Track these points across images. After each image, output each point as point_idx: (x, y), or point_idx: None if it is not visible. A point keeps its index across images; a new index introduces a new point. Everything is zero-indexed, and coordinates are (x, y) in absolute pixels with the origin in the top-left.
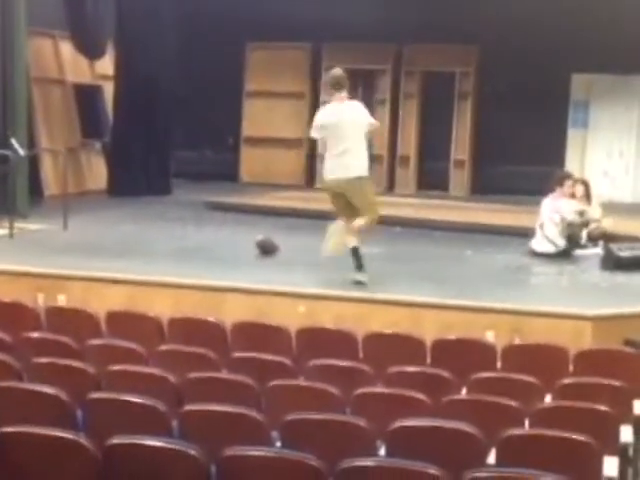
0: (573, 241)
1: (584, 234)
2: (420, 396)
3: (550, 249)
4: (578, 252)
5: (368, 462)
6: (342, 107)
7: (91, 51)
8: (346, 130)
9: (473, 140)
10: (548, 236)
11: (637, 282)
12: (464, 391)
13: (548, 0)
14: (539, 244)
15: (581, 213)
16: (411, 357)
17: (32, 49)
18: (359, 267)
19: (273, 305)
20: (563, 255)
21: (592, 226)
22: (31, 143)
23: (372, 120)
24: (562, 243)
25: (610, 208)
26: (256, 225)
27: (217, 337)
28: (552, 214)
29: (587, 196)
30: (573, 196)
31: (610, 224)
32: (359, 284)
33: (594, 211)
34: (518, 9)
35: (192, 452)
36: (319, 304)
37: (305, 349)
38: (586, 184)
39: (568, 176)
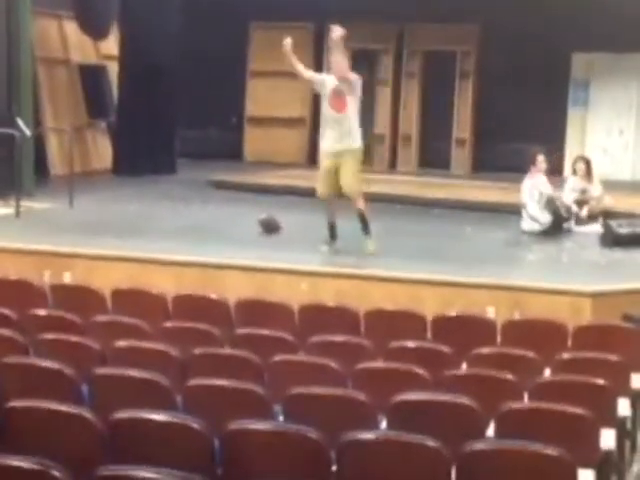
0: (558, 215)
1: (584, 210)
2: (420, 371)
3: (535, 227)
4: (578, 229)
5: (369, 435)
6: None
7: (95, 31)
8: None
9: (474, 119)
10: (532, 214)
11: (636, 258)
12: (464, 366)
13: None
14: (525, 223)
15: (582, 191)
16: (412, 333)
17: (37, 29)
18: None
19: (275, 282)
20: (551, 232)
21: (592, 203)
22: (37, 123)
23: None
24: (546, 220)
25: (609, 186)
26: (259, 203)
27: (220, 314)
28: (532, 191)
29: (588, 173)
30: (574, 173)
31: (610, 202)
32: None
33: (594, 188)
34: None
35: (196, 426)
36: (321, 281)
37: (307, 325)
38: (588, 162)
39: (538, 152)
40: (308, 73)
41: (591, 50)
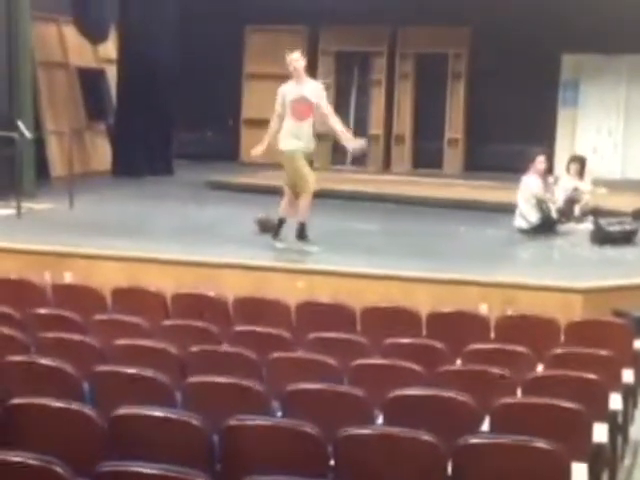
0: (547, 217)
1: (576, 209)
2: (416, 367)
3: (523, 225)
4: (568, 227)
5: (366, 430)
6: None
7: (94, 35)
8: None
9: (466, 119)
10: (522, 212)
11: (625, 256)
12: (459, 361)
13: None
14: (517, 221)
15: (574, 189)
16: (407, 329)
17: (37, 34)
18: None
19: (273, 280)
20: (540, 231)
21: (584, 198)
22: (37, 125)
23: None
24: (535, 218)
25: (600, 184)
26: (256, 204)
27: (219, 312)
28: (523, 191)
29: (581, 173)
30: (568, 172)
31: (602, 192)
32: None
33: (584, 185)
34: None
35: (195, 422)
36: (317, 279)
37: (304, 322)
38: (582, 162)
39: (539, 153)
40: (278, 115)
41: (580, 51)
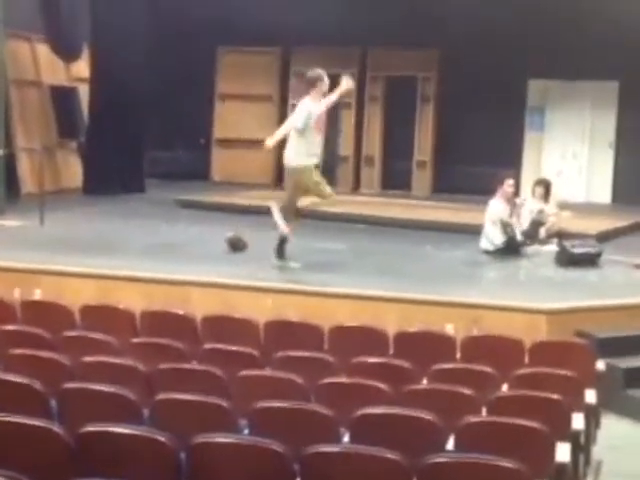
0: (512, 239)
1: (542, 231)
2: (382, 386)
3: (489, 247)
4: (533, 249)
5: (332, 448)
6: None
7: (67, 54)
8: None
9: (435, 142)
10: (487, 235)
11: (588, 277)
12: (425, 381)
13: (507, 10)
14: (483, 242)
15: (539, 211)
16: (374, 349)
17: (10, 51)
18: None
19: (241, 299)
20: (505, 253)
21: (548, 224)
22: (8, 142)
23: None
24: (500, 241)
25: (564, 207)
26: (226, 222)
27: (187, 329)
28: (489, 214)
29: (546, 196)
30: (533, 195)
31: (568, 216)
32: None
33: (550, 207)
34: (478, 17)
35: (162, 439)
36: (286, 298)
37: (272, 341)
38: (547, 185)
39: (508, 176)
40: (297, 130)
41: (546, 77)
